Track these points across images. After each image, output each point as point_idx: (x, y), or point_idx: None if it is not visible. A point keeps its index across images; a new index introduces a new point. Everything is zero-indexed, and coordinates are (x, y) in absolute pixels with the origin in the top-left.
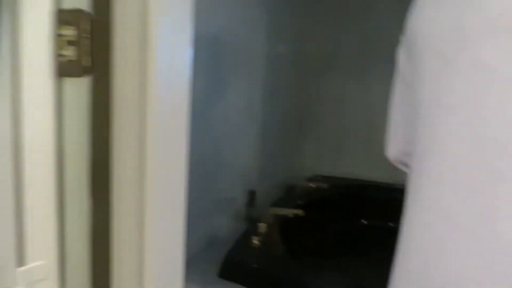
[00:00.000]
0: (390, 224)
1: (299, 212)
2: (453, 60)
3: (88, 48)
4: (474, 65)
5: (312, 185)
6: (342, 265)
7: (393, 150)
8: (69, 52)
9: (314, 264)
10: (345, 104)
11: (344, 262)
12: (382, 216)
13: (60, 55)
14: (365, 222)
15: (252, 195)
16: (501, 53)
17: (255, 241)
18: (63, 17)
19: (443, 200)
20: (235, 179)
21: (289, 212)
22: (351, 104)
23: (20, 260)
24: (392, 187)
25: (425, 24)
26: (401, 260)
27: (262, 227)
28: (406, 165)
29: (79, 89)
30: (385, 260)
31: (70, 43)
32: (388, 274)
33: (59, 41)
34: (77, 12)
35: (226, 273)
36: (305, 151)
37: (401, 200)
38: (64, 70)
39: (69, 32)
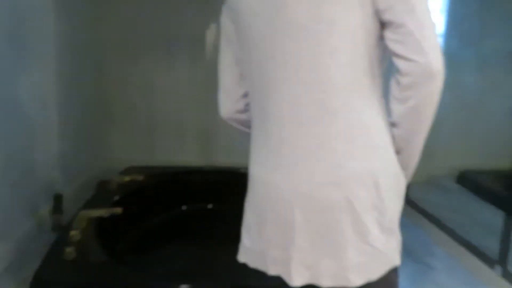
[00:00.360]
0: (209, 206)
1: (116, 210)
2: (276, 23)
3: None
4: (293, 25)
5: (127, 178)
6: (169, 255)
7: (226, 109)
8: None
9: (140, 262)
10: (153, 90)
11: (170, 252)
12: (201, 199)
13: None
14: (185, 208)
15: (57, 199)
16: (308, 13)
17: (69, 252)
18: None
19: (284, 131)
20: (33, 184)
21: (104, 212)
22: (159, 89)
23: None
24: (204, 170)
25: None
26: (250, 194)
27: (75, 234)
28: (237, 121)
29: None
30: (210, 241)
31: None
32: (213, 254)
33: None
34: None
35: None
36: (115, 143)
37: (216, 181)
38: None
39: None
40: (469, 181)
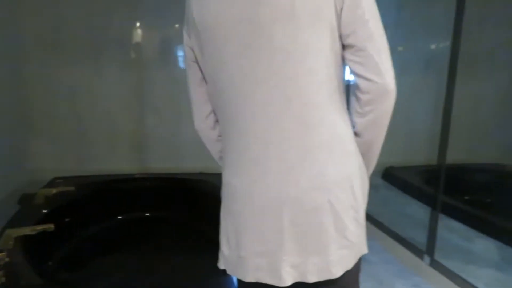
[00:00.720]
0: (147, 214)
1: (48, 226)
2: (251, 43)
3: None
4: (269, 46)
5: (54, 190)
6: (107, 268)
7: (197, 124)
8: None
9: (77, 279)
10: (80, 95)
11: (109, 264)
12: (138, 208)
13: None
14: (121, 217)
15: None
16: (283, 37)
17: None
18: None
19: (267, 145)
20: None
21: (33, 229)
22: (87, 94)
23: None
24: (139, 177)
25: (211, 16)
26: (228, 203)
27: (1, 257)
28: (206, 137)
29: None
30: (150, 250)
31: None
32: (154, 264)
33: None
34: None
35: None
36: (38, 152)
37: (152, 189)
38: None
39: None
40: (394, 176)
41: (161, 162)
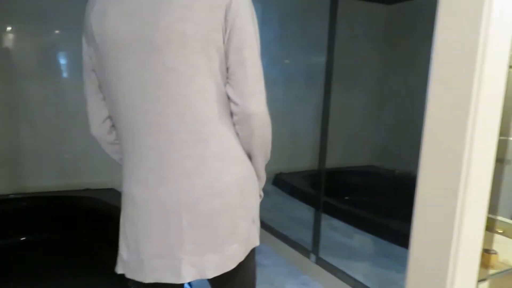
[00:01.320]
0: (23, 238)
1: None
2: (146, 62)
3: None
4: (163, 66)
5: None
6: None
7: (94, 129)
8: None
9: None
10: None
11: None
12: (11, 232)
13: None
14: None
15: None
16: (176, 59)
17: None
18: None
19: (162, 155)
20: None
21: None
22: None
23: None
24: (8, 197)
25: (109, 31)
26: (128, 210)
27: None
28: (105, 141)
29: None
30: (25, 279)
31: None
32: None
33: None
34: None
35: None
36: None
37: (27, 209)
38: None
39: None
40: (283, 182)
41: (42, 180)
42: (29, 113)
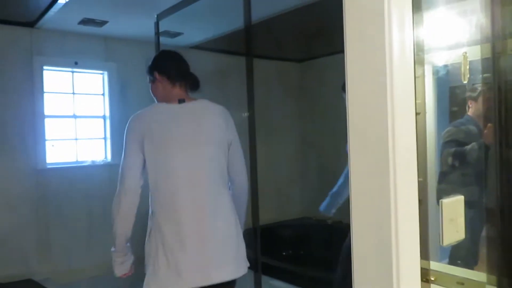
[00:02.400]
0: None
1: None
2: (188, 151)
3: None
4: (199, 155)
5: None
6: None
7: (133, 184)
8: None
9: None
10: None
11: None
12: None
13: None
14: None
15: None
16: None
17: None
18: None
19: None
20: None
21: None
22: None
23: None
24: None
25: (166, 132)
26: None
27: None
28: (136, 193)
29: None
30: None
31: None
32: None
33: None
34: None
35: None
36: None
37: None
38: None
39: None
40: None
41: None
42: None
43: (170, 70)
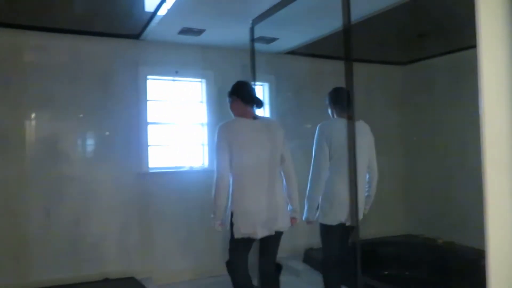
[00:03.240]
0: None
1: None
2: (260, 150)
3: None
4: (266, 154)
5: None
6: None
7: (226, 174)
8: None
9: None
10: None
11: None
12: None
13: None
14: None
15: None
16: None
17: None
18: None
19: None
20: None
21: None
22: None
23: None
24: None
25: (244, 140)
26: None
27: None
28: (227, 178)
29: None
30: None
31: None
32: None
33: None
34: None
35: None
36: None
37: None
38: None
39: None
40: (313, 259)
41: (56, 272)
42: (40, 197)
43: (244, 95)
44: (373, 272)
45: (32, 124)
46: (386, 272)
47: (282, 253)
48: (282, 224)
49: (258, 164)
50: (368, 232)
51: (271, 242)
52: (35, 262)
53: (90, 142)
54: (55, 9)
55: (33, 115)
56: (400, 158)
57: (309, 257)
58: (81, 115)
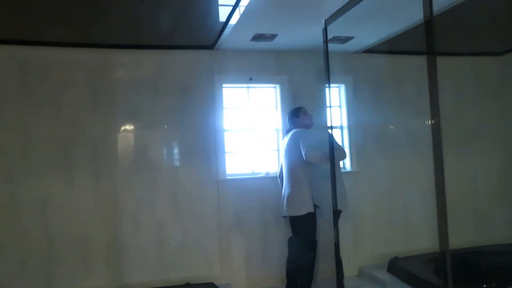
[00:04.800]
0: None
1: None
2: (287, 153)
3: None
4: (288, 155)
5: None
6: None
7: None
8: None
9: None
10: (49, 208)
11: None
12: None
13: None
14: None
15: None
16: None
17: None
18: None
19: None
20: None
21: None
22: (56, 206)
23: None
24: None
25: (282, 147)
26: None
27: None
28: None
29: None
30: None
31: None
32: None
33: None
34: None
35: None
36: (3, 273)
37: None
38: None
39: None
40: (399, 268)
41: (142, 275)
42: (129, 209)
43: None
44: (469, 285)
45: (121, 136)
46: (484, 286)
47: (365, 261)
48: (294, 210)
49: (286, 163)
50: (460, 241)
51: None
52: (124, 265)
53: (175, 151)
54: (140, 28)
55: (122, 128)
56: (499, 156)
57: (394, 266)
58: (165, 126)
